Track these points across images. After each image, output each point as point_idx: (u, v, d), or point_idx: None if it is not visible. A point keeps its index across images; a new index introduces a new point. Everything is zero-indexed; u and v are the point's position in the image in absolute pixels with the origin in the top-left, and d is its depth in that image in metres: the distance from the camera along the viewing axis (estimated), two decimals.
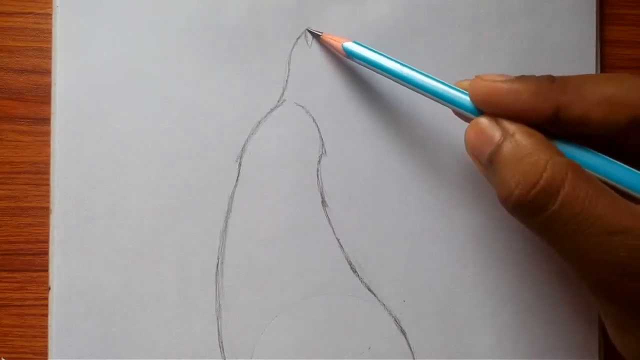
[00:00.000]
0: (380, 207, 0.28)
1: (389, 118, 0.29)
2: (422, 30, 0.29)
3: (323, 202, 0.28)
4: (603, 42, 0.30)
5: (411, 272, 0.28)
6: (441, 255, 0.28)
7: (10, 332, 0.28)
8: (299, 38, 0.28)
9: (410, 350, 0.28)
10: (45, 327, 0.27)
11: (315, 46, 0.28)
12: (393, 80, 0.25)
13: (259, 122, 0.28)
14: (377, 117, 0.28)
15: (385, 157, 0.28)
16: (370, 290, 0.28)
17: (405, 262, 0.28)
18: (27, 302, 0.28)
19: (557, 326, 0.28)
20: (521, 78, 0.21)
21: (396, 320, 0.28)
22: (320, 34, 0.28)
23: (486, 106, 0.22)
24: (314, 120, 0.28)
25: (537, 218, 0.20)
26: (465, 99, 0.23)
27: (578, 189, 0.19)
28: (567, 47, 0.29)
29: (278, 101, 0.28)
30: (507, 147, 0.21)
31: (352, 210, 0.28)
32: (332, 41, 0.27)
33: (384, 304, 0.28)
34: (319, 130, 0.28)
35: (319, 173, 0.28)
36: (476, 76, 0.22)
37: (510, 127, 0.21)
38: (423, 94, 0.24)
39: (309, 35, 0.28)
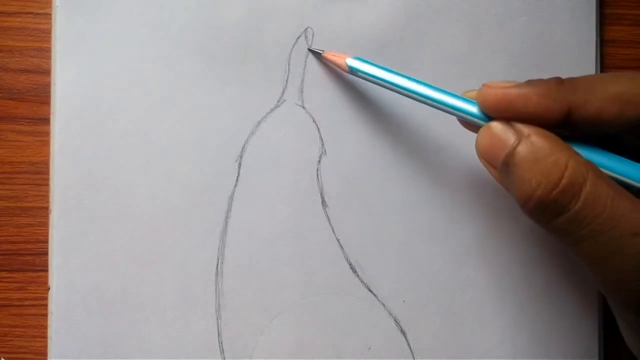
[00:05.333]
0: (380, 207, 0.28)
1: (389, 118, 0.29)
2: (422, 30, 0.29)
3: (323, 202, 0.28)
4: (603, 42, 0.30)
5: (411, 272, 0.28)
6: (441, 255, 0.28)
7: (10, 332, 0.28)
8: (298, 38, 0.28)
9: (410, 350, 0.28)
10: (45, 327, 0.27)
11: (315, 46, 0.28)
12: (399, 93, 0.24)
13: (259, 122, 0.28)
14: (378, 117, 0.28)
15: (385, 156, 0.28)
16: (370, 290, 0.28)
17: (405, 262, 0.28)
18: (27, 302, 0.28)
19: (557, 326, 0.28)
20: (530, 82, 0.21)
21: (396, 320, 0.28)
22: (321, 51, 0.28)
23: (496, 113, 0.22)
24: (314, 120, 0.28)
25: (559, 219, 0.20)
26: (472, 107, 0.23)
27: (599, 188, 0.19)
28: (567, 47, 0.29)
29: (278, 101, 0.28)
30: (524, 148, 0.20)
31: (352, 210, 0.28)
32: (334, 58, 0.27)
33: (384, 304, 0.28)
34: (319, 130, 0.28)
35: (319, 173, 0.28)
36: (484, 84, 0.22)
37: (525, 129, 0.21)
38: (431, 105, 0.24)
39: (309, 35, 0.28)
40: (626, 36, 0.30)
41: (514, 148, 0.20)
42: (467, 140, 0.28)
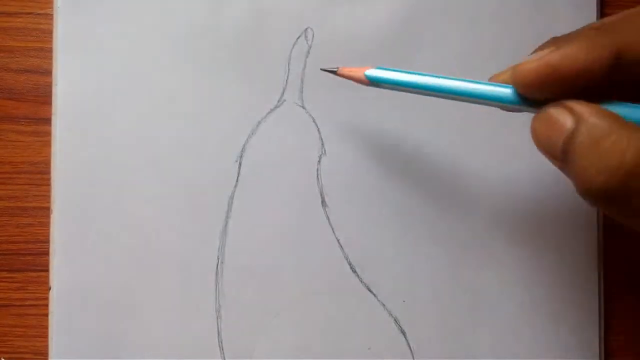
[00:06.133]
0: (380, 207, 0.28)
1: (389, 118, 0.29)
2: (423, 30, 0.29)
3: (323, 202, 0.28)
4: None
5: (411, 272, 0.28)
6: (441, 255, 0.28)
7: (10, 332, 0.28)
8: (299, 38, 0.28)
9: (410, 350, 0.28)
10: (45, 327, 0.27)
11: (315, 46, 0.28)
12: (427, 95, 0.23)
13: (259, 122, 0.28)
14: (377, 117, 0.28)
15: (385, 157, 0.28)
16: (370, 290, 0.28)
17: (405, 262, 0.28)
18: (27, 302, 0.28)
19: (557, 326, 0.28)
20: (564, 39, 0.20)
21: (396, 320, 0.28)
22: (335, 69, 0.25)
23: (540, 89, 0.20)
24: (313, 120, 0.28)
25: (630, 204, 0.18)
26: (511, 93, 0.21)
27: None
28: None
29: (278, 101, 0.28)
30: (582, 132, 0.18)
31: (352, 210, 0.28)
32: (351, 73, 0.24)
33: (384, 304, 0.28)
34: (318, 130, 0.28)
35: (319, 173, 0.28)
36: (512, 67, 0.20)
37: (582, 109, 0.19)
38: (464, 100, 0.22)
39: (309, 35, 0.28)
40: None
41: (572, 132, 0.18)
42: (468, 141, 0.28)
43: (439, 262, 0.28)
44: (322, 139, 0.28)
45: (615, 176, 0.17)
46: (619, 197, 0.18)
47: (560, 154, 0.19)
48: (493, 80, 0.22)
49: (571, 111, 0.19)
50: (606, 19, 0.20)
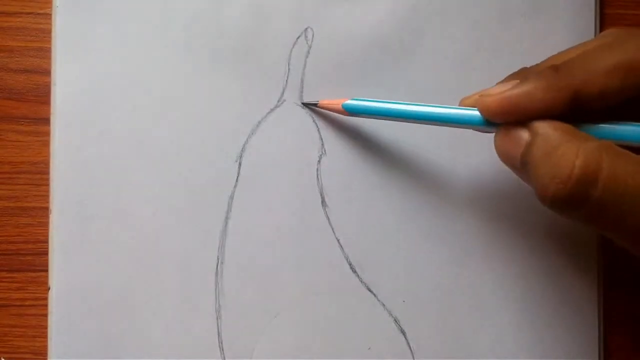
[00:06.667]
0: (380, 207, 0.28)
1: None
2: (422, 31, 0.29)
3: (323, 202, 0.28)
4: None
5: (411, 272, 0.28)
6: (441, 255, 0.28)
7: (10, 332, 0.28)
8: (298, 38, 0.28)
9: (410, 350, 0.28)
10: (45, 327, 0.27)
11: (315, 46, 0.28)
12: (401, 121, 0.24)
13: (259, 122, 0.28)
14: None
15: (385, 156, 0.28)
16: (370, 290, 0.28)
17: (405, 262, 0.28)
18: (27, 302, 0.28)
19: (557, 326, 0.28)
20: (524, 76, 0.21)
21: (396, 320, 0.28)
22: (316, 102, 0.28)
23: (503, 119, 0.21)
24: (313, 120, 0.28)
25: (583, 209, 0.19)
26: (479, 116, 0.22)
27: (618, 168, 0.18)
28: (567, 47, 0.29)
29: (278, 101, 0.28)
30: (537, 143, 0.20)
31: (352, 210, 0.28)
32: (330, 105, 0.27)
33: (384, 304, 0.28)
34: (318, 130, 0.28)
35: (319, 173, 0.28)
36: (480, 95, 0.22)
37: (538, 124, 0.20)
38: (439, 125, 0.24)
39: (309, 35, 0.28)
40: None
41: (529, 146, 0.20)
42: (468, 141, 0.28)
43: (439, 262, 0.28)
44: (322, 139, 0.28)
45: (566, 184, 0.19)
46: (571, 203, 0.19)
47: (520, 165, 0.21)
48: (462, 104, 0.23)
49: (527, 126, 0.21)
50: (567, 56, 0.21)
